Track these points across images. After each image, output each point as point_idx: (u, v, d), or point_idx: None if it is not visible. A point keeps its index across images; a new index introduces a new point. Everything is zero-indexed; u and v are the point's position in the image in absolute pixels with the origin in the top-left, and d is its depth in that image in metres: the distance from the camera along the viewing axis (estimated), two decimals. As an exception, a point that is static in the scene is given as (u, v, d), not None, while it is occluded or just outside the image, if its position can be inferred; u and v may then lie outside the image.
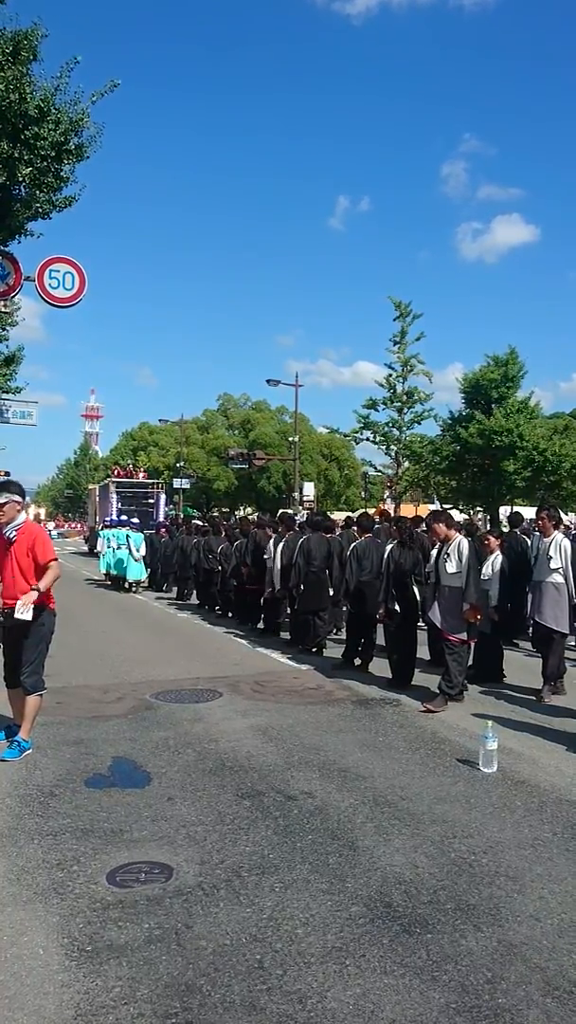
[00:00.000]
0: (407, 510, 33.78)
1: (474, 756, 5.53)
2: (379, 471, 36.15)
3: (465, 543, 7.25)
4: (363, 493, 57.29)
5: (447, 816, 4.57)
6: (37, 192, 11.96)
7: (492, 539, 8.81)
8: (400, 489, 34.71)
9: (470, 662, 8.13)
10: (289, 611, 11.06)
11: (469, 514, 34.18)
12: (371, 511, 19.21)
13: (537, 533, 8.48)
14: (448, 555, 7.24)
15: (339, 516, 17.70)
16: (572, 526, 15.28)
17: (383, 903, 3.53)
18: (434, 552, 7.66)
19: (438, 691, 7.13)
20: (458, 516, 30.73)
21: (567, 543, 7.95)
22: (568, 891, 3.68)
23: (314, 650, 9.92)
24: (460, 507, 37.78)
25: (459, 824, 4.45)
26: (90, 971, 2.99)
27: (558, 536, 7.98)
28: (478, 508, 36.41)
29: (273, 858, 3.98)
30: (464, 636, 7.20)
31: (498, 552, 8.63)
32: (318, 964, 3.04)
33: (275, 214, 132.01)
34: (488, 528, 10.72)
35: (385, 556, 8.20)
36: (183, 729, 6.39)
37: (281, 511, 13.39)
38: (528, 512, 18.40)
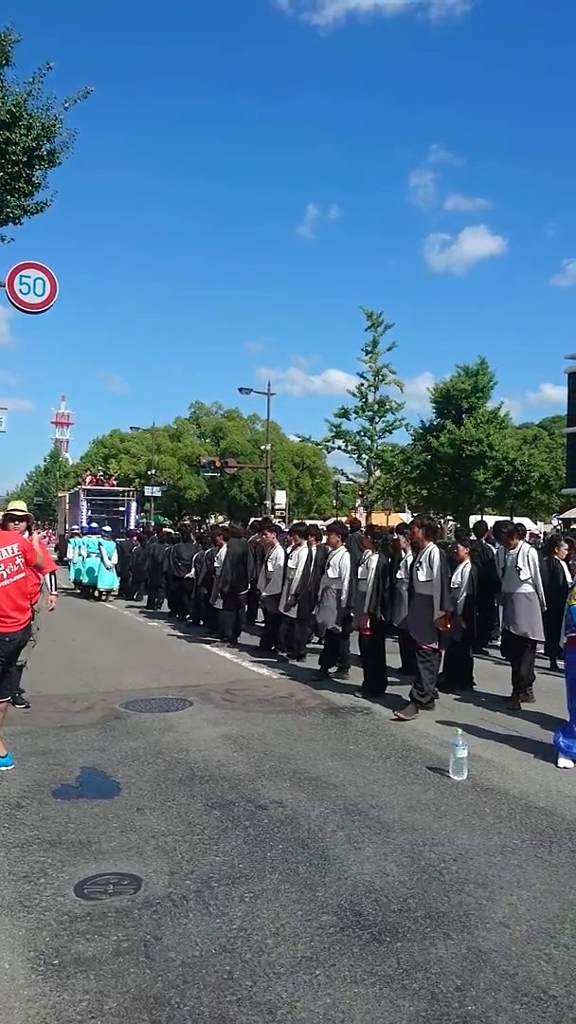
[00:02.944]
0: (378, 519, 33.95)
1: (444, 764, 5.55)
2: (351, 480, 36.30)
3: (437, 552, 7.28)
4: (335, 501, 57.47)
5: (417, 824, 4.58)
6: (8, 197, 11.89)
7: (462, 547, 8.88)
8: (372, 498, 34.89)
9: (440, 670, 8.18)
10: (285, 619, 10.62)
11: (441, 523, 34.41)
12: (343, 519, 19.27)
13: (500, 545, 8.57)
14: (420, 563, 7.28)
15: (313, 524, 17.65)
16: (541, 535, 15.49)
17: (353, 912, 3.52)
18: (407, 560, 7.68)
19: (409, 699, 7.16)
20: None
21: (534, 553, 8.05)
22: (537, 897, 3.71)
23: (295, 660, 9.92)
24: (431, 516, 37.92)
25: (429, 832, 4.47)
26: (57, 985, 2.95)
27: (524, 547, 8.07)
28: (448, 517, 36.72)
29: (243, 868, 3.96)
30: (435, 644, 7.24)
31: (468, 560, 8.69)
32: (288, 974, 3.03)
33: (245, 221, 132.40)
34: (455, 536, 10.73)
35: (374, 566, 8.03)
36: (153, 738, 6.33)
37: (334, 520, 12.95)
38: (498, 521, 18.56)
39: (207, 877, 3.85)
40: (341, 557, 8.81)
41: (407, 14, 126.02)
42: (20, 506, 6.80)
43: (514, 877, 3.92)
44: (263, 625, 11.38)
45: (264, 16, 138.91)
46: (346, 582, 8.58)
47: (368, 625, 7.89)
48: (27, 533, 6.61)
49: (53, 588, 7.74)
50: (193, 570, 12.82)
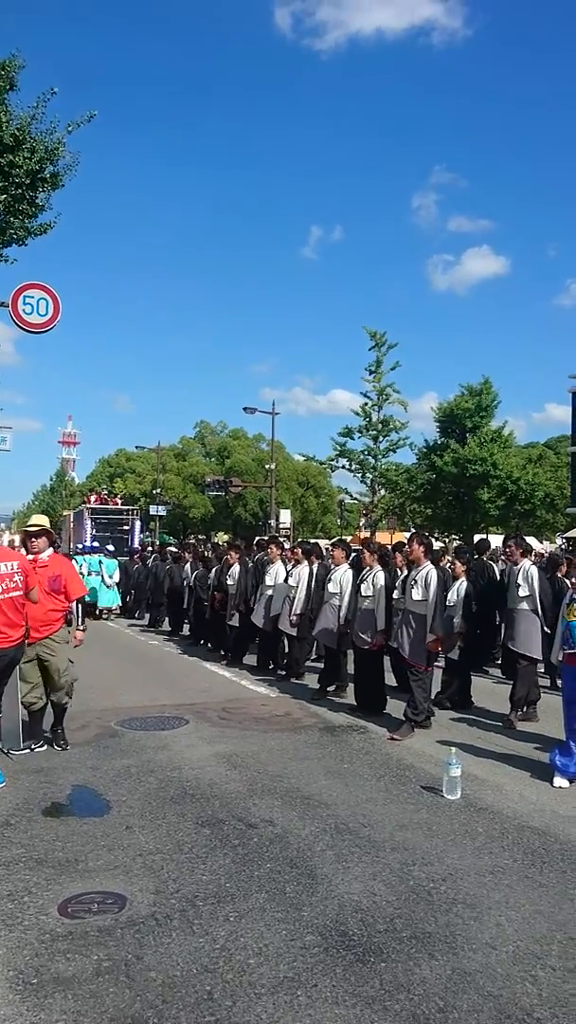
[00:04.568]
0: (383, 538, 33.87)
1: (438, 783, 5.50)
2: (355, 499, 36.30)
3: (434, 573, 7.24)
4: (339, 521, 57.43)
5: (408, 843, 4.53)
6: (11, 219, 12.04)
7: (459, 564, 8.85)
8: (376, 517, 34.88)
9: (438, 688, 8.14)
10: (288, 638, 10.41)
11: (444, 542, 34.36)
12: (349, 539, 19.23)
13: (505, 561, 8.55)
14: (415, 581, 7.25)
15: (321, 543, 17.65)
16: (545, 554, 15.44)
17: (338, 932, 3.48)
18: (402, 576, 7.65)
19: (404, 718, 7.11)
20: (434, 544, 30.92)
21: (535, 571, 8.02)
22: (525, 918, 3.66)
23: (294, 679, 9.88)
24: (435, 535, 37.93)
25: (419, 851, 4.42)
26: (34, 1005, 2.91)
27: (526, 564, 8.04)
28: (453, 536, 36.66)
29: (229, 887, 3.92)
30: (426, 664, 7.19)
31: (463, 578, 8.66)
32: (268, 995, 2.99)
33: (249, 243, 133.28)
34: (455, 553, 10.66)
35: (381, 583, 7.96)
36: (146, 757, 6.30)
37: (338, 539, 12.90)
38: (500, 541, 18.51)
39: (192, 896, 3.81)
40: (343, 573, 8.80)
41: (409, 39, 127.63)
42: (38, 520, 6.62)
43: (503, 897, 3.87)
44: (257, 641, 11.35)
45: (266, 42, 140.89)
46: (346, 598, 8.55)
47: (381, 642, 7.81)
48: (50, 550, 6.51)
49: (80, 621, 6.88)
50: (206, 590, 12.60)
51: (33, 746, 6.36)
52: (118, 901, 3.75)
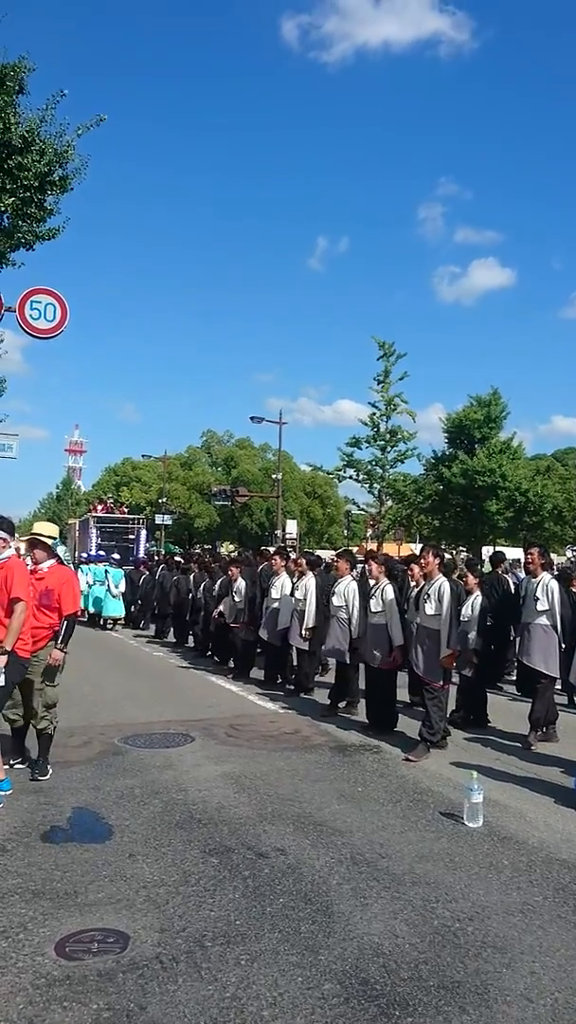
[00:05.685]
0: (390, 549, 33.58)
1: (458, 809, 5.22)
2: (362, 509, 35.95)
3: (447, 586, 6.96)
4: (346, 531, 57.17)
5: (429, 877, 4.25)
6: (20, 222, 11.87)
7: (471, 578, 8.58)
8: (383, 528, 34.56)
9: (453, 706, 7.85)
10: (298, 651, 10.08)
11: (451, 554, 34.04)
12: (354, 549, 18.95)
13: (523, 573, 8.26)
14: (428, 595, 6.97)
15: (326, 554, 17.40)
16: (559, 566, 15.15)
17: (359, 979, 3.20)
18: (414, 590, 7.37)
19: (419, 738, 6.82)
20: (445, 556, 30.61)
21: (555, 584, 7.73)
22: (561, 965, 3.37)
23: (303, 693, 9.62)
24: (443, 547, 37.68)
25: (442, 886, 4.13)
26: (26, 1063, 2.64)
27: (545, 577, 7.75)
28: (461, 548, 36.34)
29: (240, 925, 3.64)
30: (442, 683, 6.91)
31: (477, 592, 8.39)
32: (285, 1055, 2.71)
33: (255, 253, 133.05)
34: (467, 566, 10.37)
35: (391, 596, 7.70)
36: (151, 777, 6.02)
37: (344, 548, 12.68)
38: (512, 553, 18.23)
39: (200, 935, 3.53)
40: (347, 586, 8.53)
41: (416, 52, 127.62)
42: (42, 529, 6.21)
43: (536, 940, 3.58)
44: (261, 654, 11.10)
45: (273, 54, 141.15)
46: (355, 612, 8.28)
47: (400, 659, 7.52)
48: (51, 561, 6.10)
49: (63, 641, 5.93)
50: (222, 606, 12.09)
51: (13, 762, 6.03)
52: (120, 940, 3.48)
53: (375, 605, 7.73)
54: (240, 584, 11.04)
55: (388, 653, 7.50)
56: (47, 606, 5.89)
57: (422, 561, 7.33)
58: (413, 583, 8.54)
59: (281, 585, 10.27)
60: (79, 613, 6.35)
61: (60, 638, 5.91)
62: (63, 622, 5.95)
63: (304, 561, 10.18)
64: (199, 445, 66.60)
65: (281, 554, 11.36)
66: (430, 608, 6.92)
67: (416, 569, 8.49)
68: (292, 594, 9.87)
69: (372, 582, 8.03)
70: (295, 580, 10.03)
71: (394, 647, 7.45)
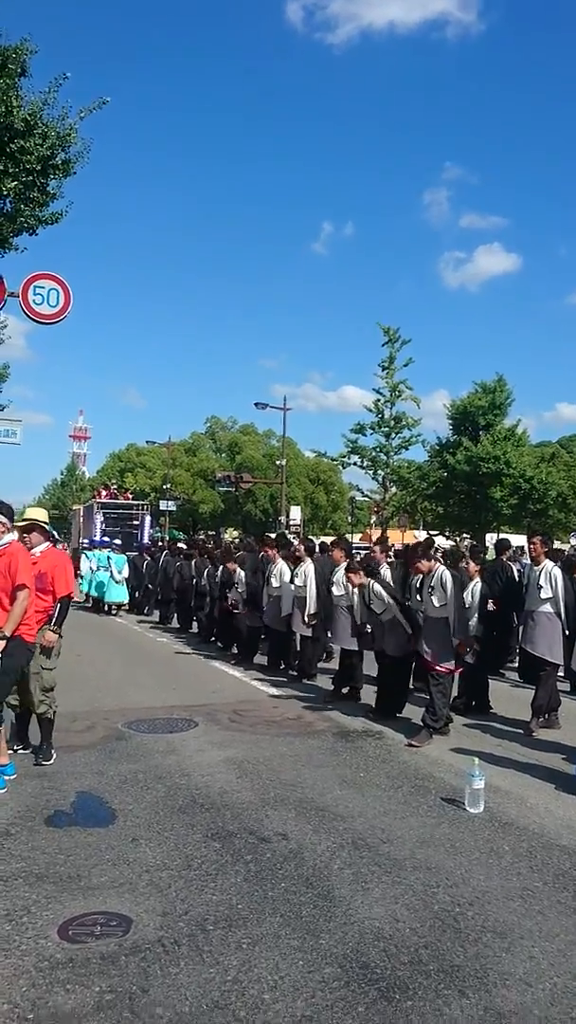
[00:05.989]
0: (394, 536, 33.58)
1: (459, 794, 5.24)
2: (366, 496, 35.93)
3: (448, 574, 6.97)
4: (350, 518, 57.16)
5: (430, 862, 4.27)
6: (22, 206, 11.79)
7: (472, 565, 8.57)
8: (387, 514, 34.55)
9: (455, 692, 7.86)
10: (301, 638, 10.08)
11: (455, 541, 34.03)
12: (358, 536, 18.92)
13: (527, 561, 8.25)
14: (433, 588, 6.97)
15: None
16: (568, 553, 15.09)
17: (360, 963, 3.22)
18: (417, 582, 7.34)
19: (422, 724, 6.84)
20: (445, 543, 30.57)
21: (558, 572, 7.72)
22: (561, 950, 3.39)
23: (306, 679, 9.64)
24: (447, 533, 37.65)
25: (443, 871, 4.16)
26: (29, 1044, 2.67)
27: (548, 565, 7.74)
28: (465, 535, 36.32)
29: (241, 909, 3.67)
30: (451, 666, 6.93)
31: (477, 579, 8.38)
32: (285, 1037, 2.74)
33: (260, 238, 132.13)
34: (470, 553, 10.31)
35: (385, 598, 7.66)
36: (154, 762, 6.06)
37: (338, 535, 12.70)
38: (515, 540, 18.21)
39: (202, 919, 3.56)
40: (344, 574, 8.52)
41: (422, 34, 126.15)
42: (31, 514, 6.22)
43: (535, 925, 3.60)
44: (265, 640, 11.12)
45: (277, 35, 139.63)
46: (356, 600, 8.28)
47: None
48: (45, 544, 6.10)
49: (56, 623, 5.96)
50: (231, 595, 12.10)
51: (17, 747, 6.06)
52: (122, 923, 3.51)
53: (377, 607, 7.65)
54: (241, 574, 11.05)
55: (407, 641, 7.46)
56: (41, 589, 5.86)
57: (419, 565, 7.23)
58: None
59: (279, 573, 10.28)
60: (72, 596, 6.35)
61: (53, 620, 5.93)
62: (56, 604, 5.97)
63: (303, 547, 10.19)
64: (203, 431, 66.61)
65: (282, 541, 11.36)
66: (436, 599, 6.92)
67: (425, 564, 8.46)
68: (292, 581, 9.88)
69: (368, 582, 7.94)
70: (293, 568, 10.02)
71: (411, 634, 7.41)
